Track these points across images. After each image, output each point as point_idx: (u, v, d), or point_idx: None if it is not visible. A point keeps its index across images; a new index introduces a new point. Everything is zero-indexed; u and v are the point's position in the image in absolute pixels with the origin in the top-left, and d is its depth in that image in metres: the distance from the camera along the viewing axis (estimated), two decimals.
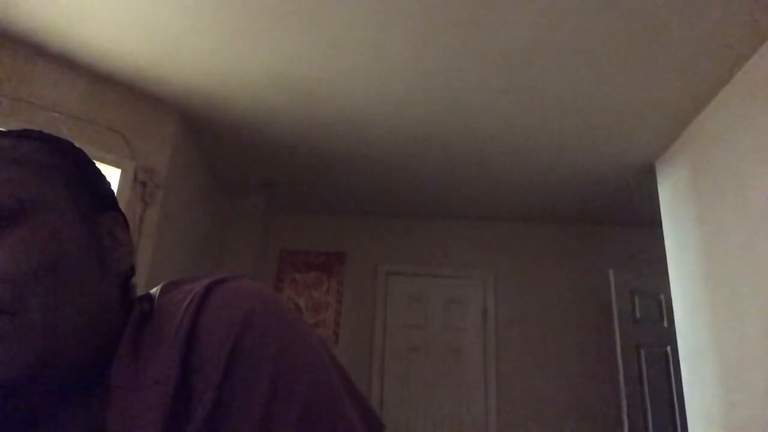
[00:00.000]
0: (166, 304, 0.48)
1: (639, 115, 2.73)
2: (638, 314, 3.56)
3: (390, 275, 4.23)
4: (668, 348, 3.47)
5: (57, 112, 2.39)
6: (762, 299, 2.14)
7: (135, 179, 2.61)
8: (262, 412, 0.41)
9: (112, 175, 2.53)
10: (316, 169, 3.58)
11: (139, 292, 0.53)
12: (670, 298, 2.98)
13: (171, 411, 0.41)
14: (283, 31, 2.25)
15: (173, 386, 0.41)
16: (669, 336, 3.34)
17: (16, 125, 2.20)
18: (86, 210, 0.48)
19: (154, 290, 0.51)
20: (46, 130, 0.52)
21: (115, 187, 2.52)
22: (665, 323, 3.49)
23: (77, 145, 0.54)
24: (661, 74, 2.39)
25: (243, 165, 3.58)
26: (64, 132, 2.34)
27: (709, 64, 2.31)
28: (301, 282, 4.17)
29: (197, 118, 2.98)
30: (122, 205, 2.43)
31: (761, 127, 2.19)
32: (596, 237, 4.27)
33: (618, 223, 4.21)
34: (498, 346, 4.01)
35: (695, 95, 2.53)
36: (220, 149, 3.36)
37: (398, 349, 4.03)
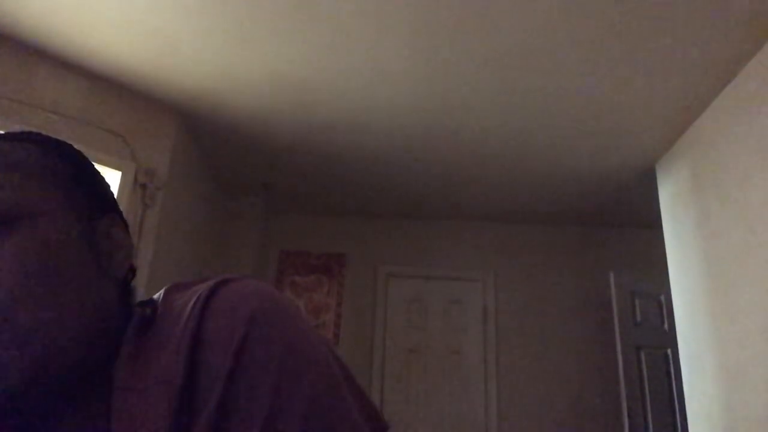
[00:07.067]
0: (170, 306, 0.48)
1: (639, 117, 2.73)
2: (638, 316, 3.56)
3: (390, 276, 4.23)
4: (668, 350, 3.47)
5: (57, 114, 2.39)
6: (762, 299, 2.14)
7: (135, 181, 2.61)
8: (266, 412, 0.41)
9: (113, 177, 2.53)
10: (315, 171, 3.58)
11: (140, 293, 0.53)
12: (671, 300, 2.97)
13: (176, 411, 0.41)
14: (282, 34, 2.26)
15: (178, 386, 0.41)
16: (669, 338, 3.34)
17: (16, 127, 2.21)
18: (83, 213, 0.48)
19: (158, 294, 0.51)
20: (45, 132, 0.52)
21: (115, 189, 2.52)
22: (665, 325, 3.49)
23: (77, 147, 0.54)
24: (661, 76, 2.40)
25: (243, 166, 3.58)
26: (63, 133, 2.34)
27: (709, 67, 2.31)
28: (301, 284, 4.17)
29: (197, 120, 2.99)
30: (122, 207, 2.43)
31: (761, 129, 2.19)
32: (597, 238, 4.27)
33: (618, 224, 4.21)
34: (498, 347, 4.01)
35: (695, 97, 2.53)
36: (220, 151, 3.37)
37: (398, 351, 4.03)
